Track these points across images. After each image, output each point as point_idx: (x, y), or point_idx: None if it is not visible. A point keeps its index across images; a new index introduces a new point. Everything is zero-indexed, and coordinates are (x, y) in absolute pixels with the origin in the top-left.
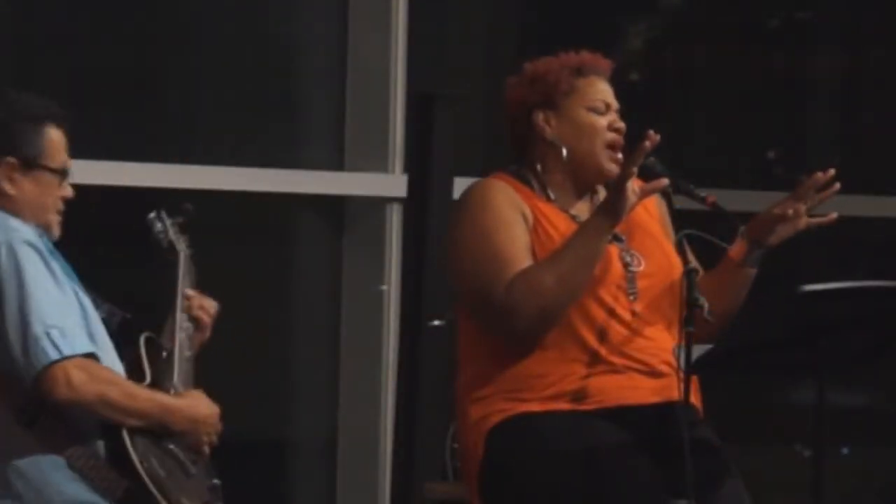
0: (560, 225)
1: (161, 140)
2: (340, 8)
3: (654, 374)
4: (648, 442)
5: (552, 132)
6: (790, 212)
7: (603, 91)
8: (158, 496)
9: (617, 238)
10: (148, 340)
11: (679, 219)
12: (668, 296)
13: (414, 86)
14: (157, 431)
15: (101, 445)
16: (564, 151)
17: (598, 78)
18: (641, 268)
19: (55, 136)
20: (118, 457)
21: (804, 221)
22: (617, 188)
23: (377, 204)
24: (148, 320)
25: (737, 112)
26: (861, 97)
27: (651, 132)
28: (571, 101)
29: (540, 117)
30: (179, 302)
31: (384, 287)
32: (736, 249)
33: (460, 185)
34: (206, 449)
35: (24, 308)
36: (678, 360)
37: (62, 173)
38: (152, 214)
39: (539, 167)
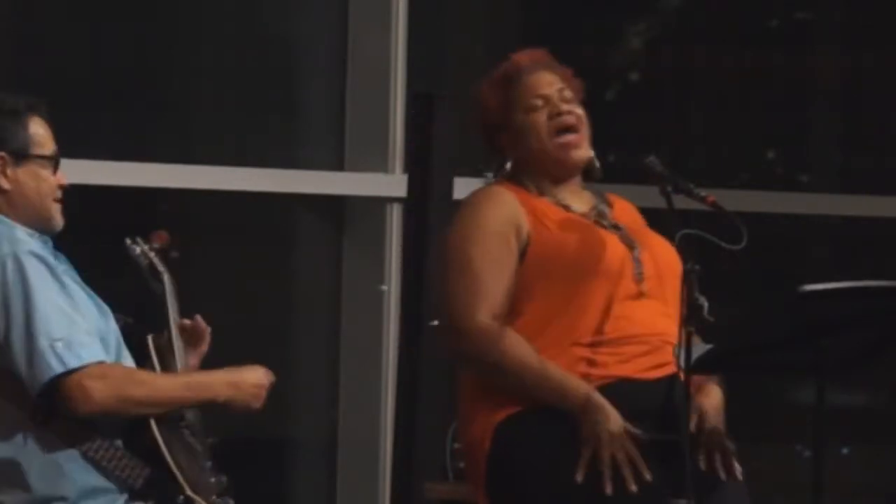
0: (554, 217)
1: (161, 140)
2: (340, 8)
3: (656, 353)
4: (652, 420)
5: (509, 148)
6: None
7: (535, 86)
8: (183, 482)
9: (615, 226)
10: (155, 339)
11: (679, 219)
12: (671, 282)
13: (414, 86)
14: (200, 406)
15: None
16: (508, 165)
17: (527, 76)
18: (642, 250)
19: (39, 126)
20: (141, 444)
21: None
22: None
23: (377, 204)
24: (149, 323)
25: (737, 112)
26: (861, 97)
27: None
28: (511, 114)
29: (500, 140)
30: (174, 327)
31: (384, 287)
32: None
33: (460, 185)
34: (257, 405)
35: (29, 321)
36: (678, 360)
37: (54, 160)
38: (128, 240)
39: (523, 173)
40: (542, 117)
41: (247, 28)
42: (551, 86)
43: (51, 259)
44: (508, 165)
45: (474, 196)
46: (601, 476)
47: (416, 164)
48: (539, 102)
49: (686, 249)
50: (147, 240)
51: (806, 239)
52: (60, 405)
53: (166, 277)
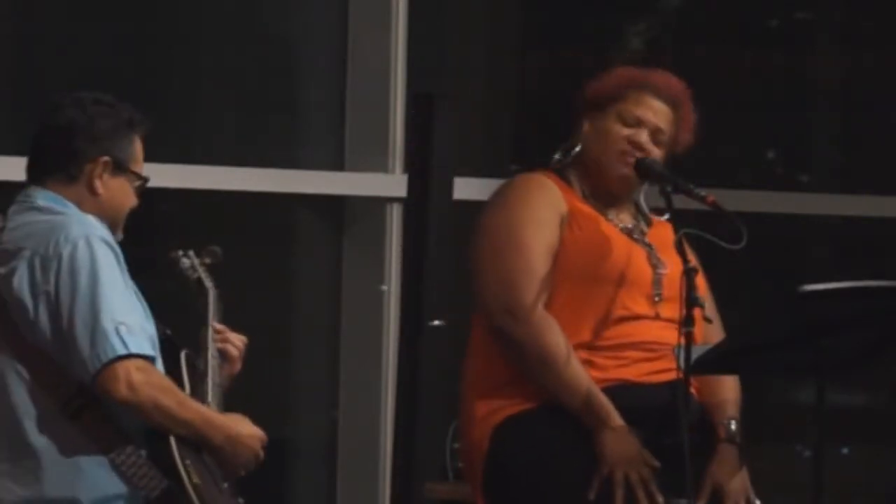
0: (592, 226)
1: (161, 140)
2: (340, 8)
3: (659, 360)
4: (652, 424)
5: (584, 134)
6: None
7: (644, 106)
8: (196, 501)
9: (647, 244)
10: (188, 357)
11: (679, 219)
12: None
13: (414, 86)
14: (196, 442)
15: (142, 444)
16: (577, 149)
17: (649, 95)
18: (667, 270)
19: (139, 145)
20: (160, 459)
21: None
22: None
23: (377, 204)
24: (183, 337)
25: (737, 112)
26: (861, 97)
27: None
28: (611, 110)
29: (584, 119)
30: (210, 336)
31: (384, 287)
32: None
33: (460, 185)
34: (241, 471)
35: (95, 301)
36: (678, 360)
37: (143, 180)
38: (179, 252)
39: (580, 169)
40: (623, 132)
41: (247, 28)
42: (657, 117)
43: (118, 249)
44: (575, 151)
45: (521, 181)
46: (610, 493)
47: (416, 164)
48: (633, 121)
49: (685, 249)
50: (198, 253)
51: (806, 239)
52: (100, 387)
53: (212, 294)
